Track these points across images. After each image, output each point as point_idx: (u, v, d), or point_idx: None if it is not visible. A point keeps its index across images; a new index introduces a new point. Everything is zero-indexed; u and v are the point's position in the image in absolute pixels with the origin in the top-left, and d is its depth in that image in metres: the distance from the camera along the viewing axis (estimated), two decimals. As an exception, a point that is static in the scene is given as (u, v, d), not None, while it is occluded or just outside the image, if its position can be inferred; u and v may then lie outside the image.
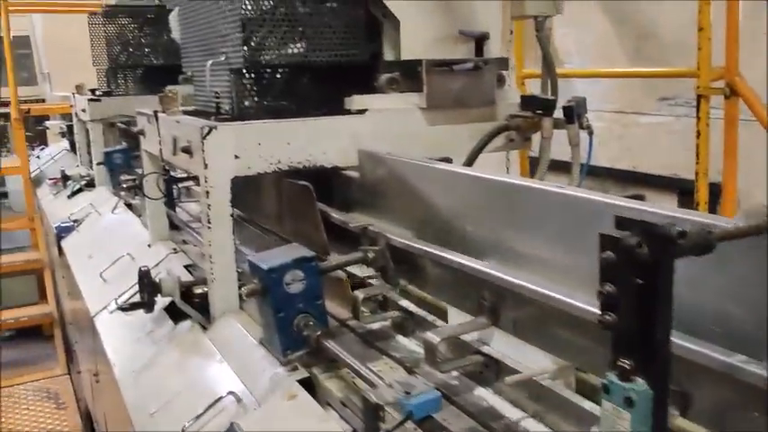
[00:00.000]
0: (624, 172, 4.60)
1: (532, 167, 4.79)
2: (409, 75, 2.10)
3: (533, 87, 4.14)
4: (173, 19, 3.74)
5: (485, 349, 1.32)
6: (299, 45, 2.01)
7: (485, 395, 1.28)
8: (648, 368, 0.74)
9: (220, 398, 1.50)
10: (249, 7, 1.93)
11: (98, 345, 2.41)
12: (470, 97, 2.10)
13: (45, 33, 8.58)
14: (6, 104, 6.15)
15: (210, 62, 2.07)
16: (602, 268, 0.74)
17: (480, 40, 2.16)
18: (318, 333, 1.42)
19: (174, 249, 2.50)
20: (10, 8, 5.91)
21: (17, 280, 5.28)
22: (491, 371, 1.31)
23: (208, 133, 1.78)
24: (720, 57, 3.06)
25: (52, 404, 4.11)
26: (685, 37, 3.95)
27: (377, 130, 2.02)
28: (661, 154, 4.50)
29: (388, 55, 2.15)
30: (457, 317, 1.45)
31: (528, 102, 2.16)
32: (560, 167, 2.25)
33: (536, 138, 2.23)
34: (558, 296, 1.13)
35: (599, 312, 0.77)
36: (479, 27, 2.16)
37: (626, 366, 0.75)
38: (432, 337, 1.27)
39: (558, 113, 2.14)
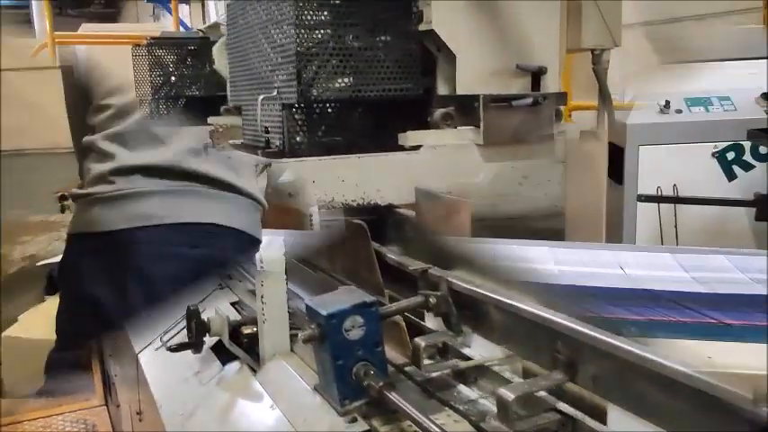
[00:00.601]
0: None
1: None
2: (464, 110, 2.04)
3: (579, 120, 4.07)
4: (216, 50, 3.77)
5: (560, 406, 1.24)
6: (351, 79, 1.97)
7: (562, 457, 1.20)
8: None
9: (276, 449, 1.43)
10: (303, 42, 1.89)
11: (142, 382, 2.36)
12: (528, 133, 2.04)
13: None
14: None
15: (262, 97, 2.04)
16: None
17: (537, 74, 2.09)
18: (381, 384, 1.35)
19: (220, 285, 2.45)
20: (57, 40, 6.03)
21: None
22: (567, 430, 1.23)
23: (262, 171, 1.74)
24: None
25: (90, 436, 4.08)
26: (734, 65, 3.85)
27: (431, 166, 1.96)
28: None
29: (442, 89, 2.09)
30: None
31: (587, 137, 2.09)
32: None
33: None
34: (650, 356, 1.04)
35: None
36: (537, 61, 2.10)
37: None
38: (505, 393, 1.19)
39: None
